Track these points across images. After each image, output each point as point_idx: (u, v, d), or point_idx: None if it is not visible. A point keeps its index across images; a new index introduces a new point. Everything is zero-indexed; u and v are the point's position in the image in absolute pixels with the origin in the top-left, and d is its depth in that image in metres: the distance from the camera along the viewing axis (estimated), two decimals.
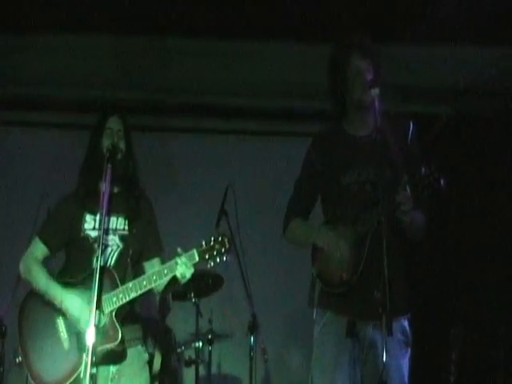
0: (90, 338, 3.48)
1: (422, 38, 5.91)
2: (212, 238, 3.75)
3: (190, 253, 3.75)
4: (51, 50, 6.23)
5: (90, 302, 3.61)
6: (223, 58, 6.30)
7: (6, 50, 6.20)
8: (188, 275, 3.78)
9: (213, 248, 3.74)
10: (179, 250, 3.77)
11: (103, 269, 3.79)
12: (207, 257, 3.74)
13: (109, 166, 3.84)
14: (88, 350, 3.46)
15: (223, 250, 3.74)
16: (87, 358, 3.43)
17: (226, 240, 3.76)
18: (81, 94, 6.73)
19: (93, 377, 3.45)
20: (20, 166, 7.01)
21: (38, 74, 6.50)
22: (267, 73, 6.43)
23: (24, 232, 5.67)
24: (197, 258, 3.74)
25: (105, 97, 6.49)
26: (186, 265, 3.74)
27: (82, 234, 3.97)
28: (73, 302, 3.81)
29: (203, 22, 5.82)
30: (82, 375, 3.45)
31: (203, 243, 3.75)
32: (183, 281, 3.81)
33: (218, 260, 3.75)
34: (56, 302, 3.85)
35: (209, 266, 3.76)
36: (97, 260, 3.69)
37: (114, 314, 3.77)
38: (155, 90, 6.73)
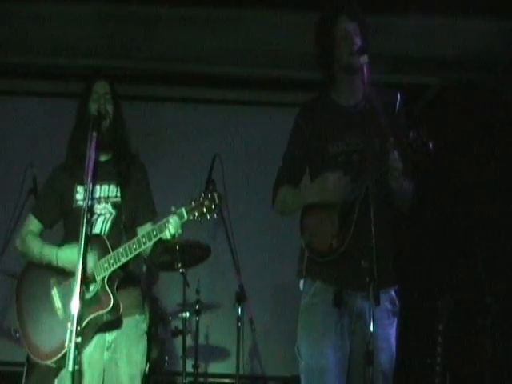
0: (75, 307, 3.46)
1: (413, 7, 5.87)
2: (201, 195, 3.66)
3: (178, 211, 3.66)
4: (38, 18, 6.18)
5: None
6: (211, 27, 6.25)
7: None
8: (177, 234, 3.69)
9: (202, 205, 3.64)
10: (173, 207, 3.68)
11: (95, 237, 3.79)
12: (196, 214, 3.64)
13: (94, 134, 3.79)
14: (73, 318, 3.43)
15: (213, 206, 3.64)
16: (72, 327, 3.40)
17: (215, 196, 3.66)
18: (68, 63, 6.69)
19: (77, 346, 3.42)
20: (5, 135, 6.98)
21: (24, 43, 6.44)
22: (255, 41, 6.39)
23: (10, 201, 5.68)
24: (186, 216, 3.65)
25: (92, 65, 6.43)
26: (175, 223, 3.66)
27: (74, 205, 3.93)
28: (67, 253, 3.77)
29: None
30: (66, 344, 3.43)
31: (192, 201, 3.66)
32: (171, 239, 3.71)
33: (208, 217, 3.65)
34: (52, 261, 3.82)
35: (200, 222, 3.66)
36: (89, 230, 3.71)
37: (106, 280, 3.73)
38: (142, 58, 6.69)
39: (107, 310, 3.71)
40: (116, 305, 3.73)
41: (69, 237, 3.92)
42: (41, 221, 4.02)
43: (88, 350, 3.78)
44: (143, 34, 6.35)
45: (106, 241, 3.79)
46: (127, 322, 3.91)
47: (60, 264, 3.80)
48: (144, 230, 3.94)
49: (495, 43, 6.32)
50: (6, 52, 6.60)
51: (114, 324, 3.84)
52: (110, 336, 3.86)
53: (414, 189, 3.80)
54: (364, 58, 3.57)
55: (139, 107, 6.86)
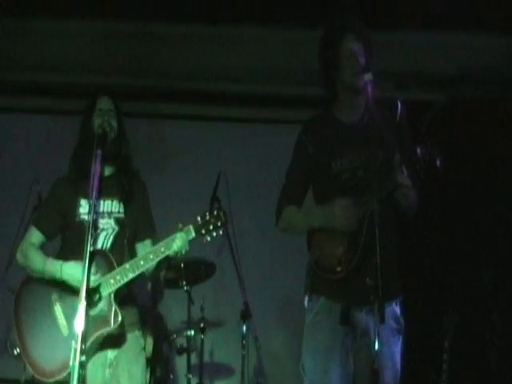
0: (79, 325, 3.44)
1: (417, 24, 5.89)
2: (207, 213, 3.76)
3: (186, 228, 3.74)
4: (40, 35, 6.21)
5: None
6: (213, 44, 6.27)
7: None
8: (183, 251, 3.76)
9: (209, 222, 3.75)
10: (180, 225, 3.76)
11: (99, 252, 3.80)
12: (203, 232, 3.75)
13: (99, 151, 3.78)
14: (77, 337, 3.41)
15: (219, 223, 3.76)
16: (76, 345, 3.38)
17: (221, 214, 3.78)
18: (70, 80, 6.70)
19: (82, 364, 3.40)
20: (10, 152, 6.99)
21: (27, 60, 6.48)
22: (258, 59, 6.41)
23: (14, 218, 5.69)
24: (193, 234, 3.74)
25: (95, 83, 6.44)
26: (182, 240, 3.73)
27: (77, 219, 3.94)
28: (72, 268, 3.75)
29: (192, 7, 5.79)
30: (70, 362, 3.41)
31: (199, 218, 3.76)
32: (177, 256, 3.79)
33: (214, 234, 3.76)
34: (56, 275, 3.80)
35: (205, 240, 3.76)
36: (91, 244, 3.66)
37: (112, 296, 3.74)
38: (145, 75, 6.71)
39: (115, 326, 3.72)
40: (122, 321, 3.74)
41: (68, 250, 3.92)
42: (43, 232, 4.01)
43: (89, 368, 3.73)
44: (145, 52, 6.37)
45: (111, 256, 3.80)
46: (128, 337, 3.92)
47: (64, 278, 3.78)
48: (143, 245, 4.02)
49: (498, 58, 6.33)
50: (9, 69, 6.62)
51: (118, 340, 3.85)
52: (111, 353, 3.87)
53: (419, 196, 3.80)
54: (368, 76, 3.57)
55: (142, 124, 6.85)
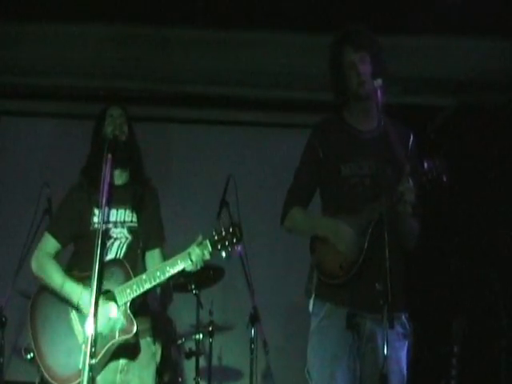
0: (89, 328, 3.46)
1: (426, 28, 5.90)
2: (223, 229, 3.80)
3: (204, 243, 3.79)
4: (51, 39, 6.26)
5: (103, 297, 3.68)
6: (223, 48, 6.29)
7: (5, 38, 6.19)
8: (198, 266, 3.82)
9: (225, 238, 3.79)
10: (200, 236, 3.81)
11: (116, 261, 3.86)
12: (219, 247, 3.79)
13: (109, 156, 3.82)
14: (87, 340, 3.43)
15: (235, 239, 3.80)
16: (86, 349, 3.40)
17: (237, 230, 3.80)
18: (80, 84, 6.73)
19: (92, 368, 3.42)
20: (20, 156, 7.00)
21: (38, 64, 6.51)
22: (268, 63, 6.43)
23: (25, 222, 5.70)
24: (210, 249, 3.78)
25: (104, 86, 6.47)
26: (198, 256, 3.78)
27: (91, 228, 3.95)
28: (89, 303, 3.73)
29: (203, 11, 5.81)
30: (80, 366, 3.42)
31: (214, 233, 3.80)
32: (193, 270, 3.83)
33: (229, 250, 3.81)
34: (73, 300, 3.81)
35: (221, 255, 3.81)
36: (106, 253, 3.81)
37: (128, 305, 3.77)
38: (154, 79, 6.73)
39: (131, 335, 3.75)
40: (137, 331, 3.77)
41: (80, 258, 3.94)
42: (58, 240, 4.02)
43: (102, 374, 3.78)
44: (156, 56, 6.40)
45: (127, 266, 3.83)
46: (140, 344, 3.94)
47: (81, 305, 3.78)
48: (151, 254, 4.08)
49: (508, 63, 6.33)
50: (20, 73, 6.64)
51: (132, 350, 3.87)
52: (123, 359, 3.88)
53: (419, 229, 3.82)
54: (378, 82, 3.59)
55: (152, 129, 6.85)
